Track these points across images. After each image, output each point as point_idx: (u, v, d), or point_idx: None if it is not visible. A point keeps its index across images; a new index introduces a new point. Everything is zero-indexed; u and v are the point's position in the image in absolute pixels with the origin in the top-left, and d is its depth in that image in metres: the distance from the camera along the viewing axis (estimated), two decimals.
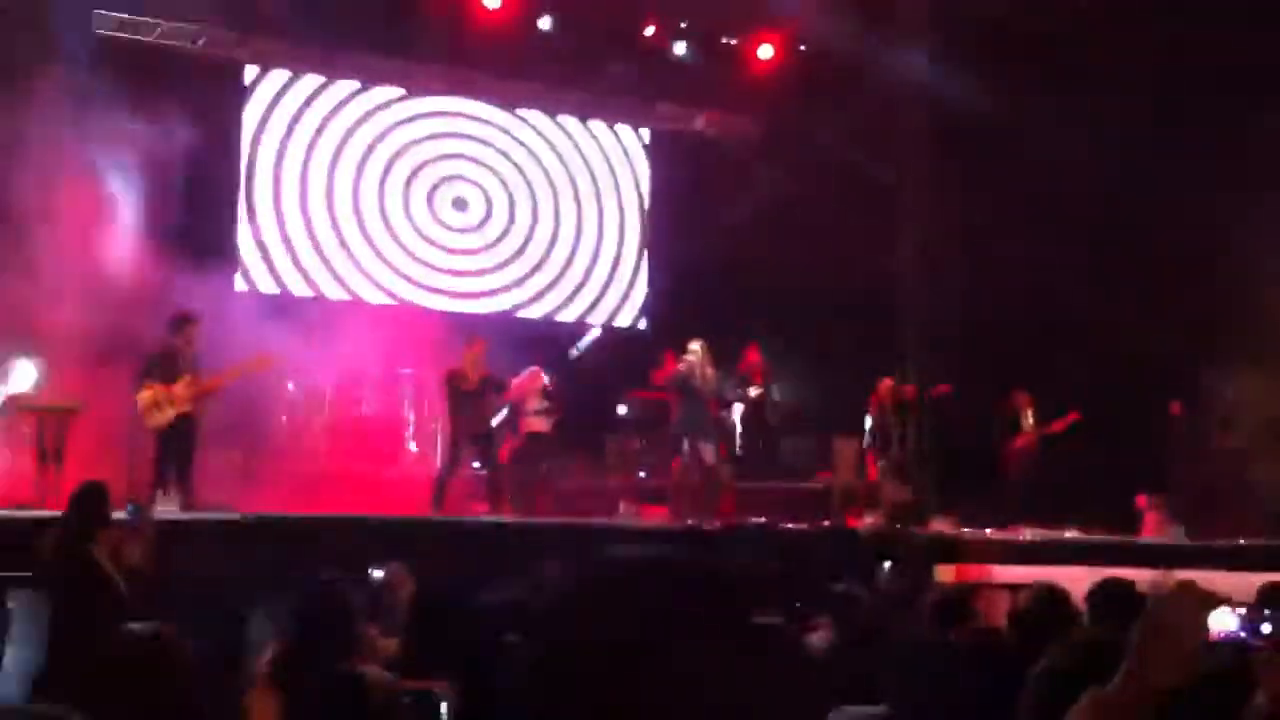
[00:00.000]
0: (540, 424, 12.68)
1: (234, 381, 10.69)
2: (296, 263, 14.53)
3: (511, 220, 15.85)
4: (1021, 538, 11.70)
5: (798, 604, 4.94)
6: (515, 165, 15.96)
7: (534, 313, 15.75)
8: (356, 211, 14.93)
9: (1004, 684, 3.46)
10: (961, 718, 3.30)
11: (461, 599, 4.30)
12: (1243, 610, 1.55)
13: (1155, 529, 13.05)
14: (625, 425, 14.69)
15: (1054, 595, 4.46)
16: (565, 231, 16.14)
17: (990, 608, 7.35)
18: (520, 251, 15.86)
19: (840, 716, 3.29)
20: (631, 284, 16.38)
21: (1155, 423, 13.66)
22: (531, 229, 15.96)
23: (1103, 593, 4.44)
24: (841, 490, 13.73)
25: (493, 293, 15.58)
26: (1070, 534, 12.23)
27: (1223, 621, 1.56)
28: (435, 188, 15.44)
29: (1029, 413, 13.71)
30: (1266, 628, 1.56)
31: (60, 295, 11.36)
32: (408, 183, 15.28)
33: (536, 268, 15.91)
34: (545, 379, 12.64)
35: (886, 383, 13.32)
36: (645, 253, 16.45)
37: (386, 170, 15.17)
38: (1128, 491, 13.43)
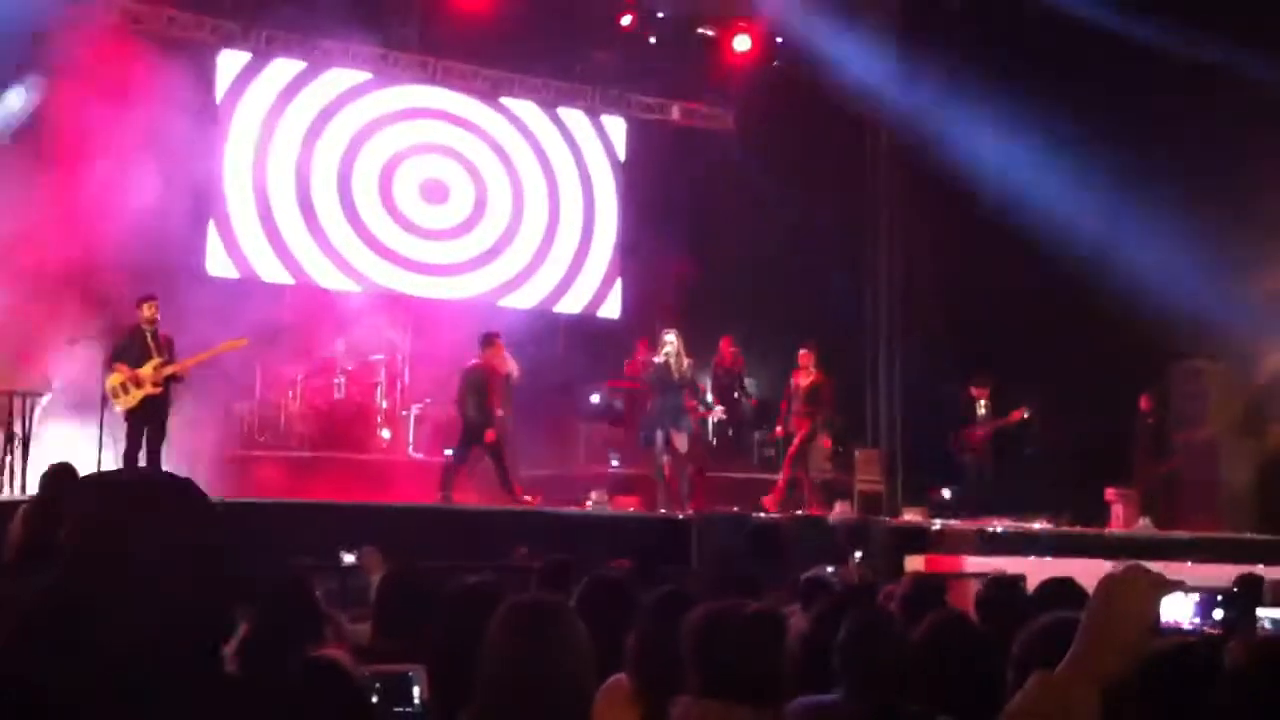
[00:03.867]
0: None
1: (204, 363, 10.66)
2: (269, 248, 14.41)
3: (486, 209, 15.77)
4: (991, 529, 11.77)
5: None
6: (489, 153, 15.88)
7: (509, 301, 15.65)
8: (330, 197, 14.83)
9: (963, 670, 3.50)
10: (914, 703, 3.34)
11: (434, 583, 4.30)
12: (1195, 596, 1.57)
13: (1124, 522, 13.17)
14: (598, 414, 14.69)
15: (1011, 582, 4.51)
16: (538, 221, 16.05)
17: (960, 599, 7.41)
18: (493, 240, 15.78)
19: (794, 707, 3.31)
20: (604, 273, 16.33)
21: (1124, 417, 13.74)
22: (504, 218, 15.89)
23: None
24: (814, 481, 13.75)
25: (466, 280, 15.51)
26: (1040, 525, 12.31)
27: (1175, 607, 1.57)
28: (409, 176, 15.36)
29: (983, 404, 13.66)
30: (1219, 613, 1.58)
31: (30, 278, 11.28)
32: (382, 170, 15.20)
33: (509, 256, 15.82)
34: None
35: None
36: (618, 242, 16.40)
37: (361, 157, 15.08)
38: (1097, 484, 13.54)
